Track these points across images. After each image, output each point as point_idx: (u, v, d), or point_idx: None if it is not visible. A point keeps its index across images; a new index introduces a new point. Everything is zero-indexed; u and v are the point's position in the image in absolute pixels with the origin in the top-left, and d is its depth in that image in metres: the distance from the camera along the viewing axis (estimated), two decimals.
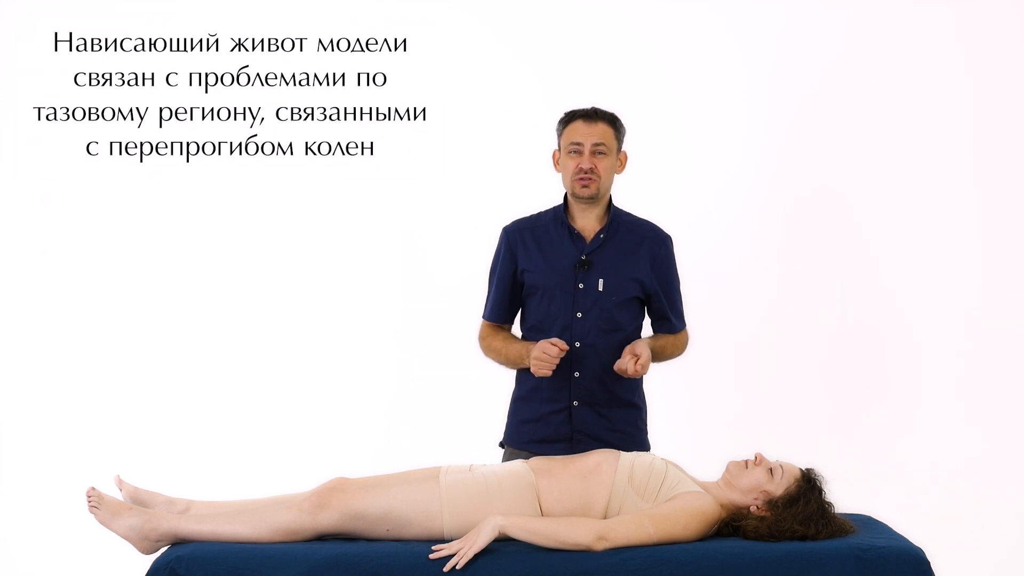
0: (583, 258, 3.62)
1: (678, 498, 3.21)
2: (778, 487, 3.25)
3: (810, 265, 4.99)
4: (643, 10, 5.01)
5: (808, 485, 3.25)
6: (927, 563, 3.07)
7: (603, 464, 3.29)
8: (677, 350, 3.78)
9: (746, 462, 3.31)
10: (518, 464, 3.34)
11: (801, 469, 3.30)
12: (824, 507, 3.23)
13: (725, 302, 4.99)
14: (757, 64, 5.01)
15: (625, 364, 3.51)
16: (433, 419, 4.95)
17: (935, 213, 4.97)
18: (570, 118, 3.64)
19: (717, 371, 4.98)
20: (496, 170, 4.97)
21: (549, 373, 3.50)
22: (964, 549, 4.69)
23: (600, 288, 3.61)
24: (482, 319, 3.78)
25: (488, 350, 3.73)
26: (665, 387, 4.77)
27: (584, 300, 3.61)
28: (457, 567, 3.01)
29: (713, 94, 5.02)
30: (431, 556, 3.04)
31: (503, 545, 3.10)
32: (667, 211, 4.82)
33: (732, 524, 3.25)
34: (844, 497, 3.42)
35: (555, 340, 3.49)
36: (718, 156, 5.01)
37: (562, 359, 3.53)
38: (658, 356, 3.69)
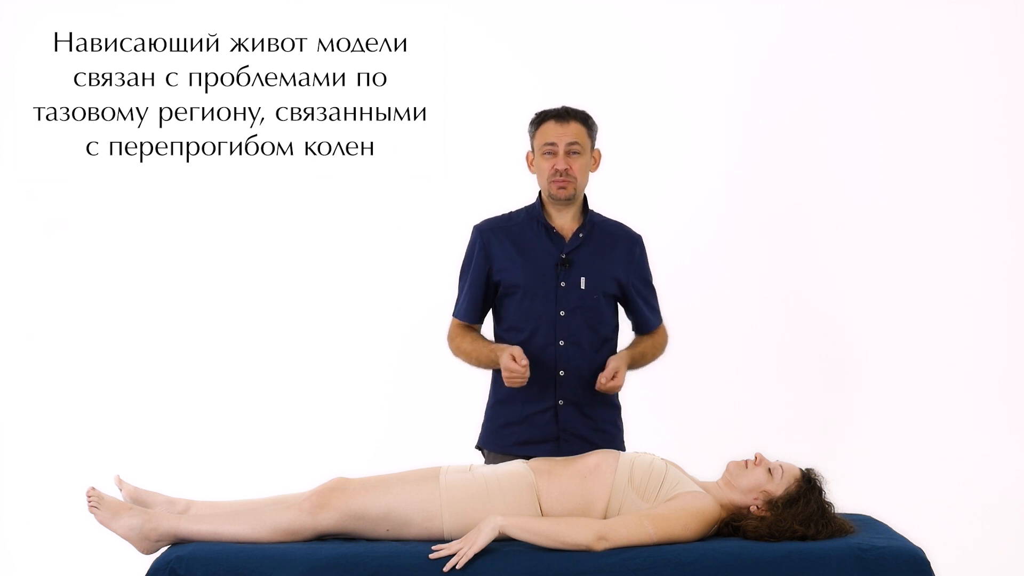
0: (564, 257, 3.62)
1: (678, 498, 3.22)
2: (778, 487, 3.25)
3: (811, 264, 4.99)
4: (641, 11, 5.01)
5: (808, 485, 3.25)
6: (927, 563, 3.07)
7: (603, 464, 3.29)
8: (657, 351, 3.75)
9: (746, 462, 3.31)
10: (518, 464, 3.34)
11: (801, 469, 3.30)
12: (824, 507, 3.23)
13: (726, 301, 4.98)
14: (752, 63, 5.00)
15: (600, 381, 3.51)
16: (433, 419, 4.95)
17: (937, 210, 4.97)
18: (542, 119, 3.63)
19: (717, 371, 4.98)
20: (496, 170, 4.95)
21: (524, 382, 3.49)
22: (964, 549, 4.69)
23: (582, 286, 3.61)
24: (452, 317, 3.76)
25: (457, 351, 3.71)
26: (664, 387, 4.79)
27: (567, 298, 3.61)
28: (457, 567, 3.01)
29: (711, 92, 5.01)
30: (431, 556, 3.04)
31: (503, 545, 3.10)
32: (663, 209, 4.86)
33: (732, 524, 3.25)
34: (844, 497, 3.42)
35: (515, 352, 3.47)
36: (714, 153, 5.00)
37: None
38: (639, 362, 3.69)
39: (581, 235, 3.64)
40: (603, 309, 3.64)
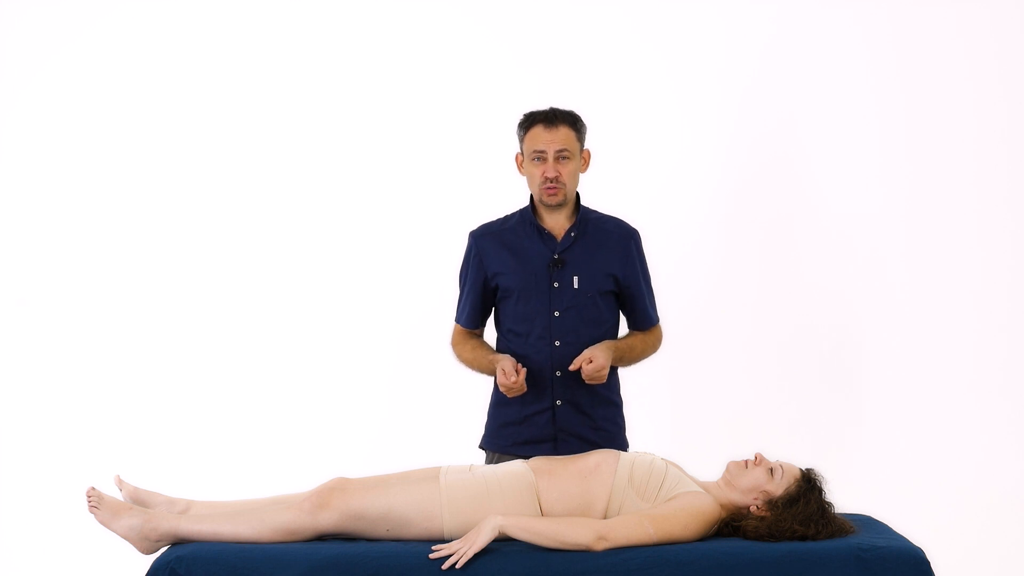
0: (556, 257, 3.62)
1: (678, 498, 3.22)
2: (778, 487, 3.25)
3: (811, 263, 4.99)
4: (637, 11, 5.01)
5: (808, 485, 3.25)
6: (927, 563, 3.07)
7: (603, 464, 3.29)
8: (649, 348, 3.73)
9: (746, 462, 3.31)
10: (518, 464, 3.34)
11: (801, 469, 3.30)
12: (824, 507, 3.23)
13: (725, 300, 4.98)
14: (749, 60, 5.01)
15: (576, 365, 3.49)
16: (433, 419, 4.96)
17: (937, 207, 4.97)
18: (530, 122, 3.60)
19: (717, 370, 4.98)
20: (495, 171, 4.95)
21: (522, 392, 3.52)
22: (964, 549, 4.69)
23: (576, 285, 3.61)
24: (455, 323, 3.79)
25: (460, 359, 3.75)
26: (664, 386, 4.80)
27: (560, 298, 3.61)
28: (456, 566, 3.01)
29: (708, 89, 5.01)
30: (431, 556, 3.04)
31: (503, 545, 3.10)
32: (660, 205, 4.86)
33: (732, 524, 3.25)
34: (844, 497, 3.42)
35: (506, 367, 3.49)
36: (714, 149, 5.00)
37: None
38: (627, 356, 3.67)
39: (573, 234, 3.64)
40: (599, 307, 3.64)
